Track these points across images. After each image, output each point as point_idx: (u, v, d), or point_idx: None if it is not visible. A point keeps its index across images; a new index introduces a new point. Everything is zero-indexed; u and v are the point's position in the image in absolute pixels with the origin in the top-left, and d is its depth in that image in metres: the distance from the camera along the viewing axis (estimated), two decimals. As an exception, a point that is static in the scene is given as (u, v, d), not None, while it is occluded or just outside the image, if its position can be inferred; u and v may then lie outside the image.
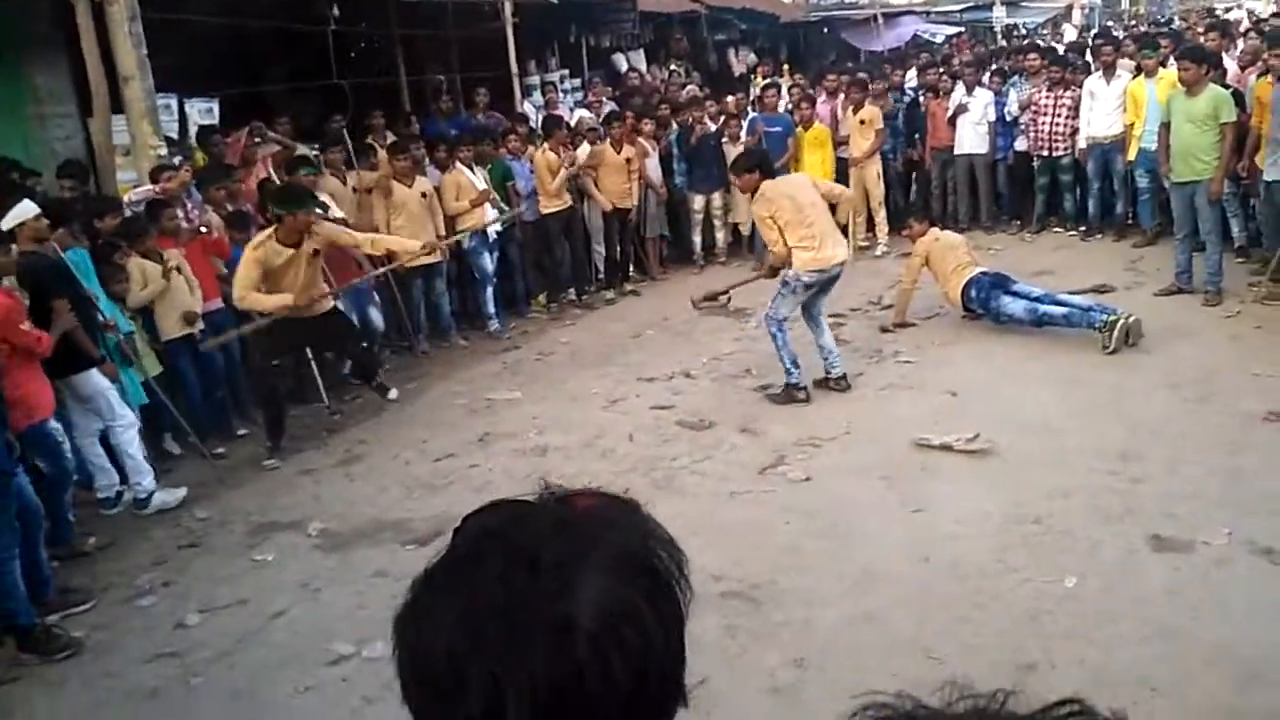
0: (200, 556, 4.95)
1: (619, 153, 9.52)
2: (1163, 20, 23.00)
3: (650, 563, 0.77)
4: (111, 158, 6.86)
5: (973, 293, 7.19)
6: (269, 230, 6.05)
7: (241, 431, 6.65)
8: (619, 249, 9.86)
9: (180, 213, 6.45)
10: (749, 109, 10.97)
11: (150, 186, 6.51)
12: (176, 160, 6.99)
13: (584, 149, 9.44)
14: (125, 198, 6.56)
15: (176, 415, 5.95)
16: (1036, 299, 6.97)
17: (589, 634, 0.70)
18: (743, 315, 8.40)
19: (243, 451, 6.27)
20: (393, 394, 6.69)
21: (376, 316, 7.64)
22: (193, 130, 7.97)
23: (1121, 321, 6.48)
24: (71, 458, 5.01)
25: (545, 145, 9.13)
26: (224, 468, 5.97)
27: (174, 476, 5.95)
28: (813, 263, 6.09)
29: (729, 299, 7.56)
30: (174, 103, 7.81)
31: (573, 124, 9.92)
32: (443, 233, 8.23)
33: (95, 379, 5.32)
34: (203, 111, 8.13)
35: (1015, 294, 7.04)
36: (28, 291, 4.96)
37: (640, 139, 9.82)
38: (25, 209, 5.09)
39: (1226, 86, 7.76)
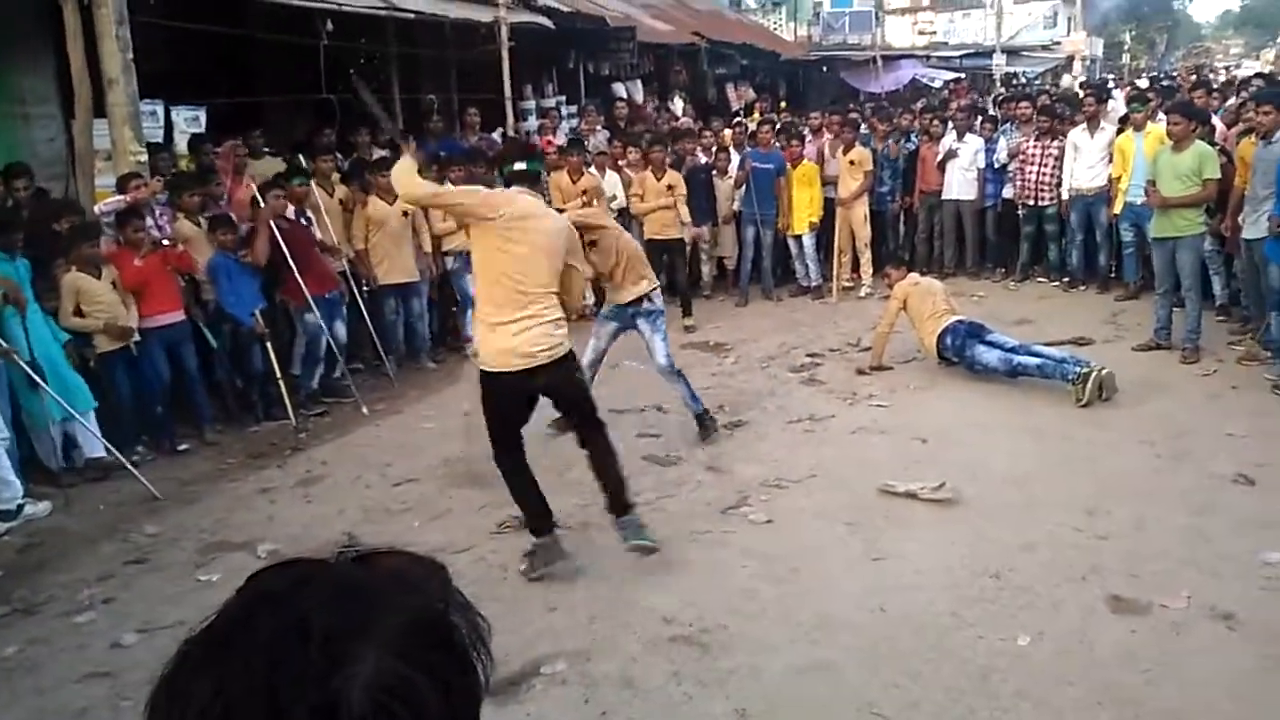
0: (146, 574, 4.84)
1: (659, 180, 9.33)
2: (1163, 76, 23.24)
3: (444, 633, 0.70)
4: (91, 162, 6.80)
5: (948, 340, 7.15)
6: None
7: (183, 446, 6.51)
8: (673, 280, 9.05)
9: (151, 220, 6.38)
10: (744, 144, 10.94)
11: (121, 197, 6.45)
12: (170, 172, 6.95)
13: (611, 177, 9.37)
14: (95, 207, 6.49)
15: (93, 431, 5.90)
16: (1011, 349, 6.93)
17: (356, 717, 0.63)
18: (722, 350, 8.36)
19: (201, 466, 6.16)
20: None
21: (341, 331, 7.54)
22: (177, 137, 7.95)
23: (1095, 374, 6.44)
24: None
25: (563, 168, 9.06)
26: (177, 481, 5.86)
27: (124, 490, 5.84)
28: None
29: None
30: (160, 109, 7.79)
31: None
32: (427, 250, 8.20)
33: None
34: (189, 119, 8.11)
35: (990, 343, 7.01)
36: None
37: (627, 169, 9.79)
38: None
39: (1214, 144, 7.77)
